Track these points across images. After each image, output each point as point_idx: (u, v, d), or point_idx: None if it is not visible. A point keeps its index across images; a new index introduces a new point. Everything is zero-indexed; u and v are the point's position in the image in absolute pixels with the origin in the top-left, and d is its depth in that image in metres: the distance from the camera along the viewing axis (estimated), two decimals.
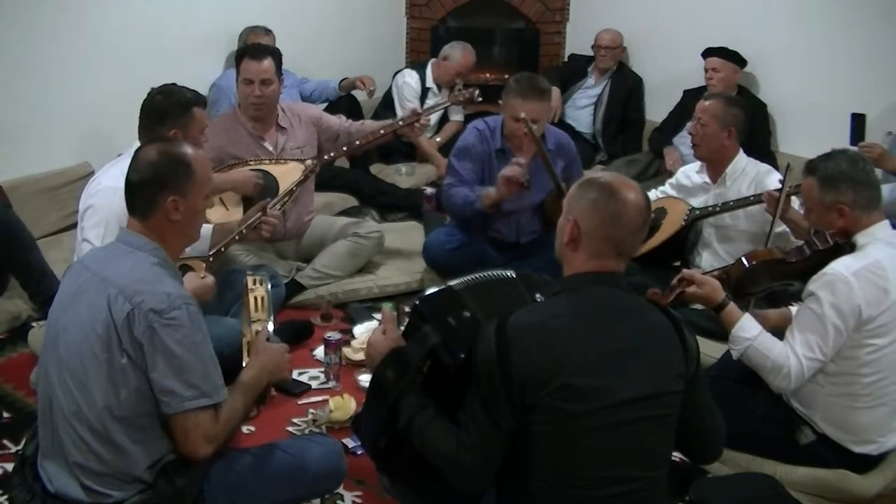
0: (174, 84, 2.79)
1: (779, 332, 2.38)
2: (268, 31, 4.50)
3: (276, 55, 3.56)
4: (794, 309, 2.50)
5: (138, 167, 1.91)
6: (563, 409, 1.57)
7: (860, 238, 2.28)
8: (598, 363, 1.60)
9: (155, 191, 1.88)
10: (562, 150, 3.61)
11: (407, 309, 1.92)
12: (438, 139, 5.08)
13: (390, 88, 5.13)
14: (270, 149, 3.58)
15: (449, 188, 3.55)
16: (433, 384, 1.76)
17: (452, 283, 1.88)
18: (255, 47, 3.64)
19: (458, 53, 4.96)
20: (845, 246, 2.32)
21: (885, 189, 3.37)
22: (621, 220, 1.67)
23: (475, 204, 3.42)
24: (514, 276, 1.93)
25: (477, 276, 1.90)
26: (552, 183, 3.46)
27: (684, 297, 2.43)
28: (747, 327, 2.32)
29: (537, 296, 1.83)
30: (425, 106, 4.89)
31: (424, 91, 5.02)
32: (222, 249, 2.86)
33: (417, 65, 5.21)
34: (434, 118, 5.03)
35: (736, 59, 4.62)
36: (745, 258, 2.58)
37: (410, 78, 5.02)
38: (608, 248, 1.69)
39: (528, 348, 1.58)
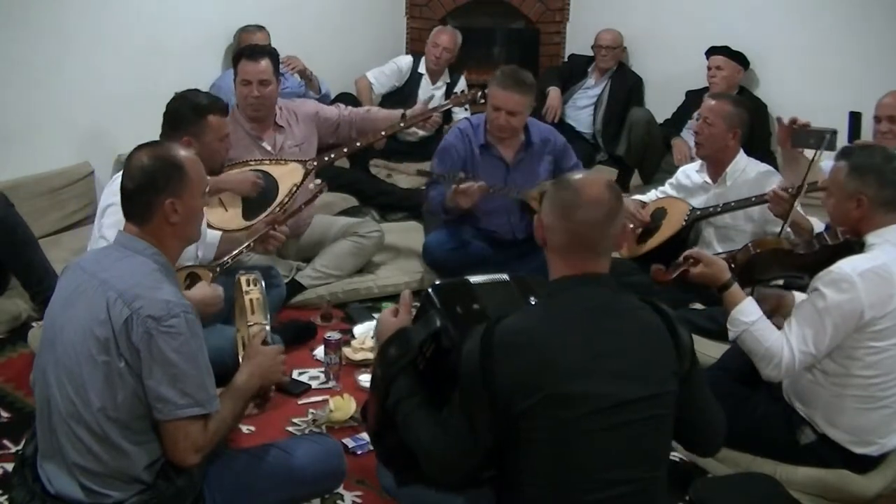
0: (196, 90, 2.78)
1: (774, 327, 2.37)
2: (260, 28, 4.50)
3: (274, 55, 3.58)
4: (798, 295, 2.49)
5: (131, 174, 1.90)
6: (556, 416, 1.55)
7: (870, 237, 2.27)
8: (589, 367, 1.58)
9: (150, 195, 1.87)
10: (547, 144, 3.63)
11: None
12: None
13: None
14: (269, 148, 3.58)
15: (428, 189, 3.59)
16: (435, 372, 1.76)
17: (470, 277, 1.88)
18: (251, 48, 3.66)
19: (431, 34, 5.09)
20: (855, 245, 2.31)
21: None
22: (577, 214, 1.66)
23: (445, 202, 3.45)
24: (507, 278, 1.93)
25: (488, 276, 1.91)
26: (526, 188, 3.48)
27: (689, 276, 2.41)
28: (747, 311, 2.30)
29: (531, 298, 1.82)
30: (419, 97, 4.92)
31: (416, 76, 5.08)
32: (228, 261, 2.84)
33: (418, 53, 5.27)
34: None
35: (740, 59, 4.63)
36: (752, 245, 2.56)
37: (403, 61, 5.11)
38: (572, 244, 1.67)
39: (513, 357, 1.56)
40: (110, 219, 2.60)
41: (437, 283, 1.88)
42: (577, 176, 1.76)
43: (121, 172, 2.72)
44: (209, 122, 2.69)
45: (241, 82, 3.52)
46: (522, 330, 1.60)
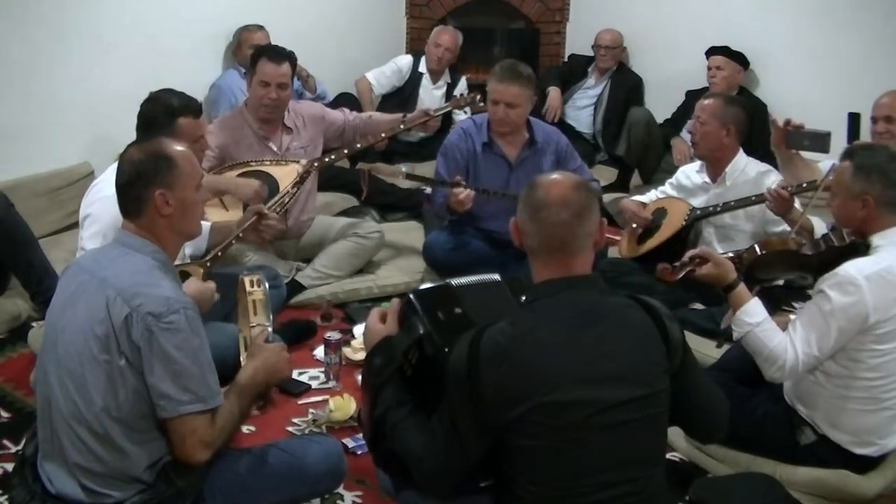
0: (170, 90, 2.74)
1: None
2: (260, 28, 4.50)
3: (293, 59, 3.54)
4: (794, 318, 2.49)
5: (121, 169, 1.91)
6: (550, 422, 1.55)
7: (876, 239, 2.26)
8: (580, 372, 1.57)
9: (140, 188, 1.87)
10: (550, 144, 3.62)
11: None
12: None
13: None
14: (275, 149, 3.57)
15: (434, 193, 3.59)
16: (422, 378, 1.75)
17: (452, 280, 1.87)
18: (273, 49, 3.58)
19: (432, 34, 5.10)
20: (860, 246, 2.30)
21: None
22: (542, 214, 1.66)
23: (446, 205, 3.46)
24: (498, 279, 1.92)
25: (475, 277, 1.90)
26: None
27: (695, 276, 2.40)
28: (752, 312, 2.30)
29: (523, 298, 1.81)
30: (420, 96, 4.95)
31: (417, 76, 5.08)
32: (219, 254, 2.83)
33: (417, 52, 5.27)
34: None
35: (740, 59, 4.63)
36: (758, 245, 2.56)
37: (403, 60, 5.11)
38: (543, 245, 1.67)
39: (500, 365, 1.55)
40: (88, 231, 2.61)
41: (419, 288, 1.87)
42: (547, 177, 1.74)
43: (94, 183, 2.74)
44: (180, 125, 2.63)
45: (259, 83, 3.46)
46: (510, 338, 1.58)
